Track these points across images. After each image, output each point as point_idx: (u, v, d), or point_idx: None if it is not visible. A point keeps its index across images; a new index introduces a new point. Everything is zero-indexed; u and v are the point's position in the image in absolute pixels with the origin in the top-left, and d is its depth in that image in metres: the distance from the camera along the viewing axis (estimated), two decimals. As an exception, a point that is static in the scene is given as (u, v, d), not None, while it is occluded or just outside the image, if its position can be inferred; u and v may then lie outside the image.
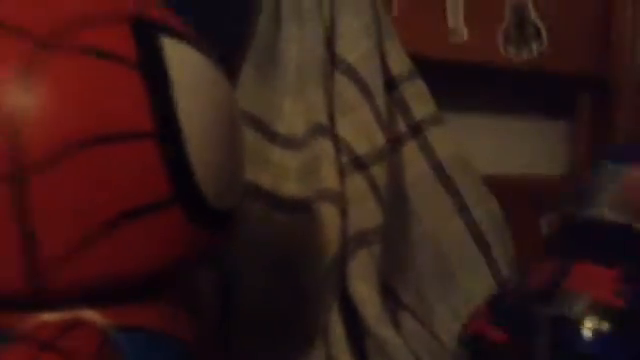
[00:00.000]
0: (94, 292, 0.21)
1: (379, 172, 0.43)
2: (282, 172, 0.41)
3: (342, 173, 0.41)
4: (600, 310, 0.31)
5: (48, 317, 0.21)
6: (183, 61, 0.21)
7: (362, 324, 0.35)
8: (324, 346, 0.35)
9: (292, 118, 0.43)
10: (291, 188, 0.41)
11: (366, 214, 0.40)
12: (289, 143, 0.42)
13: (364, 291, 0.35)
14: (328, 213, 0.38)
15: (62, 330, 0.20)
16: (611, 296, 0.31)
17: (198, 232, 0.22)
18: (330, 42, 0.45)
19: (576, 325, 0.30)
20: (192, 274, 0.24)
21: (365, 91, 0.44)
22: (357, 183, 0.41)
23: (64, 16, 0.20)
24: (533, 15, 0.65)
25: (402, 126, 0.47)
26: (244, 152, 0.24)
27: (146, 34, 0.21)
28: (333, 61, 0.45)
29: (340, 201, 0.39)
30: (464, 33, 0.61)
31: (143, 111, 0.20)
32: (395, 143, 0.45)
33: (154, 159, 0.20)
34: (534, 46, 0.66)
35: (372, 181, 0.42)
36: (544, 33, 0.65)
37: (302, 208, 0.40)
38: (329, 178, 0.39)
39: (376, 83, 0.45)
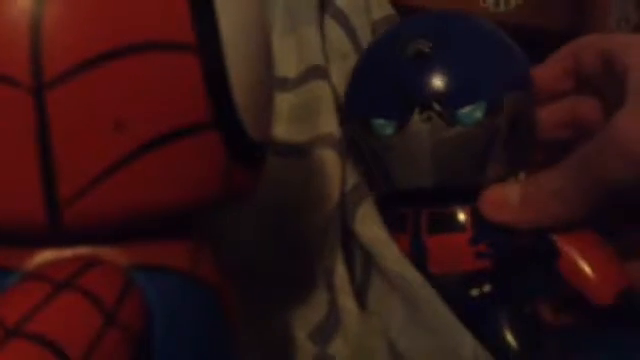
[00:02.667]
0: (115, 228, 0.18)
1: None
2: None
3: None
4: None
5: (64, 254, 0.18)
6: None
7: (377, 264, 0.33)
8: (327, 291, 0.34)
9: (283, 58, 0.41)
10: (283, 131, 0.39)
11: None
12: (281, 84, 0.40)
13: (380, 234, 0.34)
14: (330, 160, 0.36)
15: (81, 269, 0.18)
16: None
17: (233, 163, 0.19)
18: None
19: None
20: (218, 215, 0.22)
21: (354, 40, 0.42)
22: None
23: None
24: (513, -33, 0.64)
25: None
26: (273, 84, 0.22)
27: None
28: (322, 2, 0.42)
29: (341, 148, 0.37)
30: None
31: (184, 21, 0.17)
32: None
33: (193, 75, 0.18)
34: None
35: None
36: (522, -14, 0.64)
37: (297, 153, 0.38)
38: (330, 123, 0.37)
39: (365, 32, 0.42)
